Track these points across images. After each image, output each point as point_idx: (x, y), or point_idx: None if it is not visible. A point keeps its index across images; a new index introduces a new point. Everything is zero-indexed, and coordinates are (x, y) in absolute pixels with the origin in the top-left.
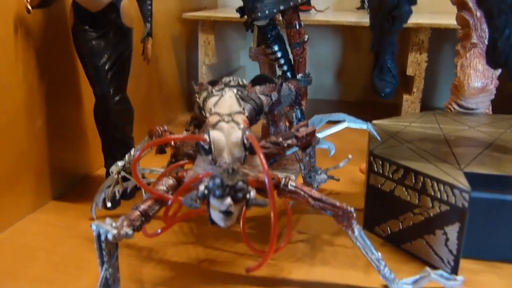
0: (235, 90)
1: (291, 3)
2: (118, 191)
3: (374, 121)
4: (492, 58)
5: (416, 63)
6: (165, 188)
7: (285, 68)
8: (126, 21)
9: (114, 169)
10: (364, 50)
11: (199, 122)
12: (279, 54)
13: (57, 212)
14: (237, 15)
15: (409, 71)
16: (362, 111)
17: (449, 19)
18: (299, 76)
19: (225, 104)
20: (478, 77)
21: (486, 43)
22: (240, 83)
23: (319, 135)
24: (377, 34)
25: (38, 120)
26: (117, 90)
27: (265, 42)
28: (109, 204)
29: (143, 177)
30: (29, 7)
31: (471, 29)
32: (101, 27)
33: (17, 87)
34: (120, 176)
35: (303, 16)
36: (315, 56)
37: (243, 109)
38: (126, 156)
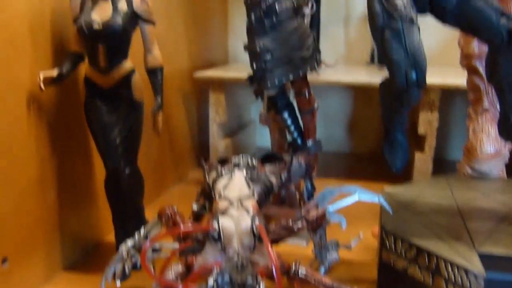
0: (244, 172)
1: (300, 73)
2: (128, 266)
3: (386, 189)
4: (504, 131)
5: (427, 122)
6: (174, 275)
7: (295, 135)
8: (137, 95)
9: (123, 248)
10: (376, 103)
11: (208, 195)
12: (289, 121)
13: (68, 284)
14: (247, 74)
15: (421, 130)
16: (374, 164)
17: (459, 77)
18: (309, 142)
19: (234, 187)
20: (491, 142)
21: (498, 108)
22: (250, 163)
23: (330, 208)
24: (387, 111)
25: (50, 193)
26: (128, 163)
27: (275, 109)
28: (118, 284)
29: (155, 250)
30: (42, 86)
31: (482, 93)
32: (112, 102)
33: (30, 161)
34: (129, 254)
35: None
36: (326, 108)
37: (253, 192)
38: (136, 235)
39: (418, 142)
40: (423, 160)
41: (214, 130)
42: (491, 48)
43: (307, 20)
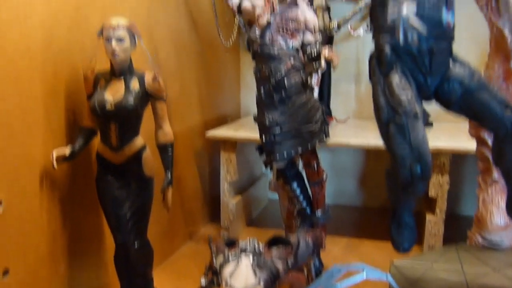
0: (251, 258)
1: (309, 146)
2: None
3: (395, 262)
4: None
5: (438, 185)
6: None
7: (304, 204)
8: (147, 171)
9: None
10: (388, 158)
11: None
12: (297, 192)
13: None
14: (257, 135)
15: (431, 193)
16: (385, 218)
17: (470, 142)
18: (318, 213)
19: (240, 275)
20: (501, 215)
21: None
22: (256, 248)
23: (337, 286)
24: (393, 196)
25: (61, 266)
26: (138, 236)
27: (283, 179)
28: None
29: None
30: (55, 164)
31: (491, 164)
32: (123, 178)
33: (41, 234)
34: None
35: None
36: (337, 162)
37: (259, 281)
38: None
39: (429, 204)
40: (434, 223)
41: (225, 188)
42: (497, 137)
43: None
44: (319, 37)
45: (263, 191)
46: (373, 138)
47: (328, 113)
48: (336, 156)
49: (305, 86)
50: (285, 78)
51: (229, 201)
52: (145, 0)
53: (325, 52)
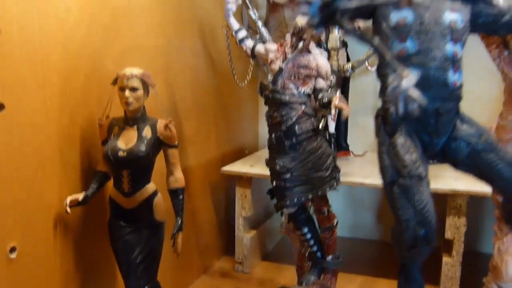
0: None
1: (319, 192)
2: None
3: None
4: None
5: (454, 227)
6: None
7: (314, 248)
8: (158, 216)
9: None
10: None
11: None
12: (308, 236)
13: None
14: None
15: (448, 235)
16: None
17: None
18: (328, 258)
19: None
20: None
21: None
22: None
23: None
24: (400, 252)
25: None
26: (148, 281)
27: (294, 224)
28: None
29: None
30: (68, 210)
31: None
32: (134, 223)
33: (54, 279)
34: None
35: (340, 162)
36: (354, 194)
37: None
38: None
39: (446, 245)
40: (450, 265)
41: (240, 224)
42: (506, 198)
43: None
44: (333, 79)
45: (278, 224)
46: None
47: (345, 148)
48: (354, 188)
49: (316, 133)
50: (296, 125)
51: (244, 236)
52: (162, 40)
53: (335, 100)
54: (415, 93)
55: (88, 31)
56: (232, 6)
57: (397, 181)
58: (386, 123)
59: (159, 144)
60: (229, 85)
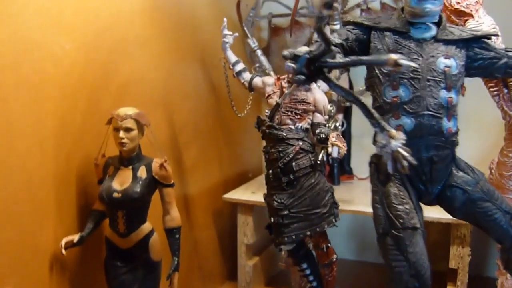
0: None
1: (318, 229)
2: None
3: None
4: None
5: (459, 257)
6: None
7: (314, 284)
8: (154, 256)
9: None
10: None
11: None
12: (307, 272)
13: None
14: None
15: (452, 264)
16: None
17: None
18: None
19: None
20: None
21: None
22: None
23: None
24: None
25: None
26: None
27: (293, 260)
28: None
29: None
30: (63, 251)
31: None
32: (130, 262)
33: None
34: None
35: (344, 186)
36: (359, 218)
37: None
38: None
39: (450, 275)
40: None
41: (242, 251)
42: (503, 247)
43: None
44: (332, 109)
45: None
46: None
47: (348, 172)
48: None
49: (314, 169)
50: (293, 161)
51: (246, 263)
52: (162, 71)
53: (332, 138)
54: (404, 153)
55: (85, 70)
56: (229, 39)
57: (390, 232)
58: (379, 172)
59: (154, 183)
60: (231, 109)
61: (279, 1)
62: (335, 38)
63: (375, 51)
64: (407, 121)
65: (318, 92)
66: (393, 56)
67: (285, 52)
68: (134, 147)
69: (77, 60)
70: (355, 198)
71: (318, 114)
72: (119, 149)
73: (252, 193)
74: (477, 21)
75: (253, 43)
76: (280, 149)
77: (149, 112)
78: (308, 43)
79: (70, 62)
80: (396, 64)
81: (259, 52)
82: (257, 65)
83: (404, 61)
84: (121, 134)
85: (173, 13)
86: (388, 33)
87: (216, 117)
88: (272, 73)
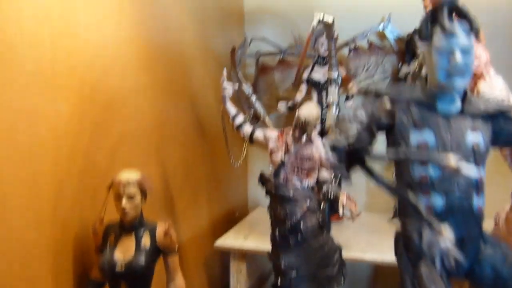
0: None
1: None
2: None
3: None
4: None
5: None
6: None
7: None
8: None
9: None
10: None
11: None
12: None
13: None
14: (267, 245)
15: None
16: None
17: None
18: None
19: None
20: None
21: None
22: None
23: None
24: None
25: None
26: None
27: None
28: None
29: None
30: None
31: None
32: None
33: None
34: None
35: (335, 227)
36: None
37: None
38: None
39: None
40: None
41: None
42: None
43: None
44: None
45: None
46: (388, 251)
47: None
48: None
49: (322, 228)
50: (301, 222)
51: None
52: (155, 122)
53: (343, 199)
54: (455, 252)
55: (80, 130)
56: (229, 92)
57: None
58: (408, 251)
59: (158, 252)
60: (218, 147)
61: (267, 40)
62: (361, 114)
63: (401, 125)
64: (438, 201)
65: (322, 147)
66: (452, 159)
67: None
68: (136, 215)
69: (71, 121)
70: (349, 241)
71: (324, 170)
72: (120, 217)
73: (244, 238)
74: (489, 83)
75: (247, 88)
76: (287, 209)
77: (142, 162)
78: (296, 83)
79: (64, 124)
80: (456, 170)
81: (253, 97)
82: (252, 111)
83: (466, 169)
84: (124, 202)
85: (164, 60)
86: (413, 106)
87: (205, 159)
88: (267, 119)
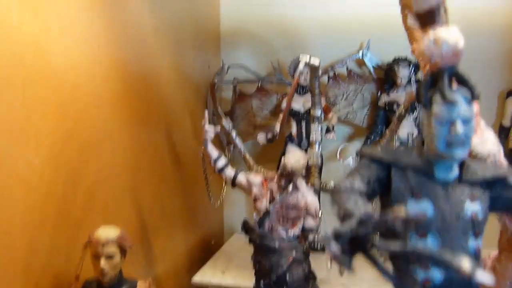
0: None
1: None
2: None
3: None
4: None
5: None
6: None
7: None
8: None
9: None
10: None
11: None
12: None
13: None
14: (247, 281)
15: None
16: None
17: None
18: None
19: None
20: None
21: None
22: None
23: None
24: None
25: None
26: None
27: None
28: None
29: None
30: None
31: None
32: None
33: None
34: None
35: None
36: None
37: None
38: None
39: None
40: None
41: None
42: None
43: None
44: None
45: None
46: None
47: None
48: None
49: (308, 278)
50: (287, 273)
51: None
52: (130, 158)
53: (331, 253)
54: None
55: (53, 181)
56: (211, 135)
57: None
58: None
59: None
60: (193, 177)
61: (245, 67)
62: (359, 184)
63: (397, 192)
64: (437, 275)
65: (309, 195)
66: (467, 264)
67: (327, 234)
68: (116, 273)
69: (44, 172)
70: (330, 276)
71: (309, 218)
72: (98, 277)
73: (222, 273)
74: (480, 137)
75: (227, 124)
76: (272, 260)
77: (118, 206)
78: (275, 110)
79: (37, 176)
80: (469, 275)
81: (234, 133)
82: (232, 147)
83: (481, 276)
84: (102, 263)
85: (141, 92)
86: (410, 173)
87: (180, 192)
88: (248, 155)
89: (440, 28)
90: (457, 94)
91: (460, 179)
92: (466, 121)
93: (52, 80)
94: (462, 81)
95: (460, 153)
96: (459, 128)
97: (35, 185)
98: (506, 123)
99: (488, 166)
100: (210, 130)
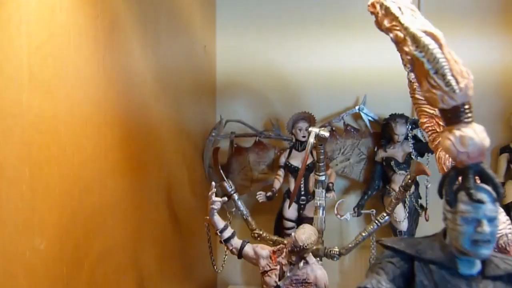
0: None
1: None
2: None
3: None
4: None
5: None
6: None
7: None
8: None
9: None
10: None
11: None
12: None
13: None
14: None
15: None
16: None
17: None
18: None
19: None
20: None
21: None
22: None
23: None
24: None
25: None
26: None
27: None
28: None
29: None
30: None
31: None
32: None
33: None
34: None
35: None
36: None
37: None
38: None
39: None
40: None
41: None
42: None
43: None
44: None
45: None
46: None
47: None
48: None
49: None
50: None
51: None
52: (130, 222)
53: None
54: None
55: (57, 265)
56: (217, 205)
57: None
58: None
59: None
60: (189, 229)
61: (242, 123)
62: (386, 285)
63: (421, 287)
64: None
65: (318, 269)
66: None
67: None
68: None
69: (49, 257)
70: None
71: None
72: None
73: None
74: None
75: (229, 187)
76: None
77: (120, 276)
78: (273, 164)
79: (42, 262)
80: None
81: (235, 196)
82: (233, 209)
83: None
84: None
85: (142, 162)
86: (433, 267)
87: (179, 251)
88: (250, 218)
89: (466, 128)
90: (483, 194)
91: (483, 273)
92: (492, 220)
93: (59, 161)
94: (487, 180)
95: (486, 252)
96: (486, 227)
97: (40, 272)
98: (499, 179)
99: (510, 260)
100: (217, 202)
